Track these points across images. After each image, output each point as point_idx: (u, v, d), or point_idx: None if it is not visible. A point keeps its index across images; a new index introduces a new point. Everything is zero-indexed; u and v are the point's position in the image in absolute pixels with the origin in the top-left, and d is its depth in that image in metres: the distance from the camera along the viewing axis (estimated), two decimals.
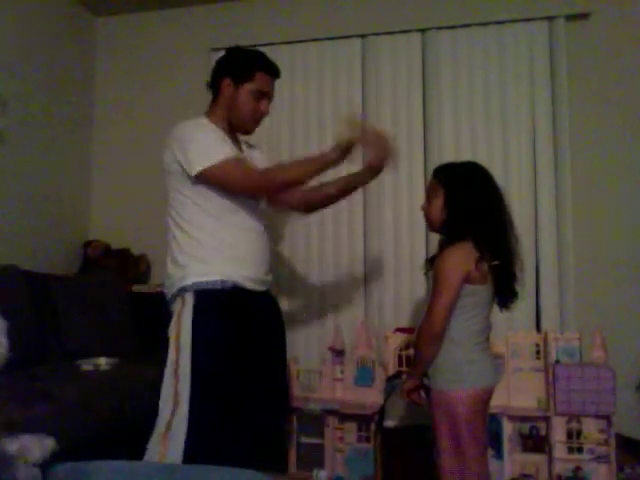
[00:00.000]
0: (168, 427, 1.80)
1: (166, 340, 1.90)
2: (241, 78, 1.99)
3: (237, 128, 2.07)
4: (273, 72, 2.05)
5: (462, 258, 1.65)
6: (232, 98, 2.00)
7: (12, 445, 0.97)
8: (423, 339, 1.70)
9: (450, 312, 1.65)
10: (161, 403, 1.85)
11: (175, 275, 1.93)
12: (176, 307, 1.91)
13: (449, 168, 1.79)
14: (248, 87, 1.99)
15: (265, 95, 2.03)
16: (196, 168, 1.85)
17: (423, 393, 1.78)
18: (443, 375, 1.68)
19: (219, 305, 1.87)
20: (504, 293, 1.75)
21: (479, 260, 1.63)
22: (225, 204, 1.93)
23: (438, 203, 1.73)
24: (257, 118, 2.06)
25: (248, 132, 2.11)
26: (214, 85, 2.05)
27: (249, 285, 1.94)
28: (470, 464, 1.66)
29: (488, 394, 1.72)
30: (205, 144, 1.90)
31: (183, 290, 1.89)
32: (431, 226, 1.81)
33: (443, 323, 1.65)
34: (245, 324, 1.92)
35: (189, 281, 1.89)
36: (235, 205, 1.95)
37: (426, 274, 1.84)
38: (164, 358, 1.89)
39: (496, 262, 1.66)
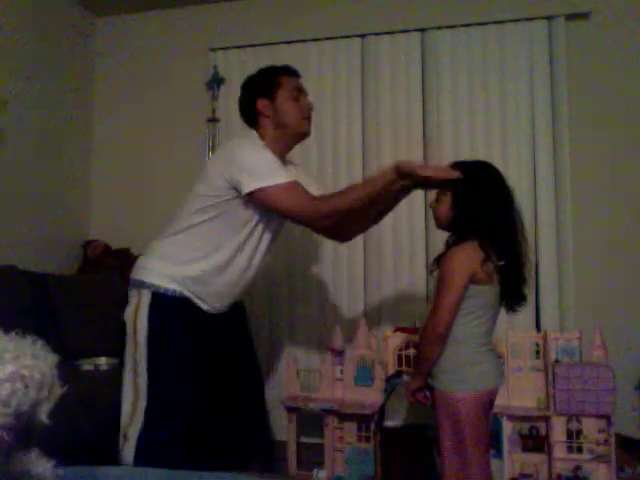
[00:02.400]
0: (125, 433, 1.86)
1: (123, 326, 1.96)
2: (271, 91, 1.99)
3: (294, 138, 2.05)
4: (293, 72, 2.06)
5: (467, 258, 1.63)
6: (274, 112, 1.99)
7: (33, 468, 0.99)
8: (427, 339, 1.69)
9: (455, 313, 1.64)
10: (123, 401, 1.91)
11: (145, 266, 1.98)
12: (132, 299, 1.96)
13: (458, 166, 1.76)
14: (282, 93, 1.99)
15: (300, 92, 2.03)
16: (251, 186, 1.84)
17: (428, 393, 1.78)
18: (447, 376, 1.67)
19: (174, 310, 1.93)
20: (511, 295, 1.73)
21: (485, 260, 1.62)
22: (235, 237, 1.95)
23: (446, 201, 1.71)
24: (306, 115, 2.04)
25: (306, 134, 2.08)
26: (251, 114, 2.04)
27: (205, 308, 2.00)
28: (472, 465, 1.65)
29: (491, 396, 1.71)
30: (263, 164, 1.88)
31: (141, 284, 1.94)
32: (438, 224, 1.78)
33: (447, 324, 1.64)
34: (201, 328, 1.98)
35: (149, 279, 1.94)
36: (243, 243, 1.98)
37: (431, 273, 1.82)
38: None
39: (502, 263, 1.65)
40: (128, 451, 1.83)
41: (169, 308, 1.92)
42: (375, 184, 1.83)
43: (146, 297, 1.91)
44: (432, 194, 1.82)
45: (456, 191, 1.69)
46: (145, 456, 1.78)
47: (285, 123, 1.99)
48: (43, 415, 0.92)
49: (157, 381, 1.86)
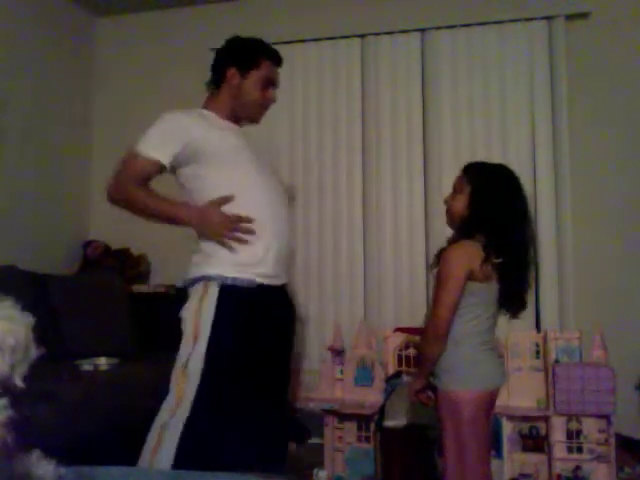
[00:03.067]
0: (166, 423, 1.74)
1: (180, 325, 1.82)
2: (247, 67, 1.96)
3: (243, 118, 2.02)
4: (277, 60, 2.04)
5: (466, 255, 1.63)
6: (238, 87, 1.96)
7: (34, 469, 0.98)
8: (427, 339, 1.70)
9: (454, 311, 1.64)
10: (167, 396, 1.78)
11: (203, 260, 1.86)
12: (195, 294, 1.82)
13: (479, 167, 1.76)
14: (255, 75, 1.96)
15: (271, 83, 2.01)
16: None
17: (431, 393, 1.77)
18: (448, 375, 1.67)
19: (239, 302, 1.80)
20: (510, 298, 1.71)
21: (484, 259, 1.62)
22: (236, 185, 1.86)
23: (462, 200, 1.71)
24: (265, 106, 2.03)
25: (255, 121, 2.06)
26: (218, 76, 2.00)
27: (263, 281, 1.84)
28: (472, 464, 1.65)
29: (493, 396, 1.71)
30: (154, 129, 1.93)
31: (208, 277, 1.82)
32: (451, 221, 1.78)
33: (447, 322, 1.64)
34: (259, 322, 1.85)
35: (211, 271, 1.82)
36: (247, 188, 1.88)
37: (432, 270, 1.81)
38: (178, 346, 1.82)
39: (499, 260, 1.64)
40: (165, 453, 1.69)
41: (233, 305, 1.80)
42: (166, 213, 1.94)
43: (213, 290, 1.79)
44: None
45: (474, 191, 1.69)
46: (185, 458, 1.67)
47: (242, 102, 1.98)
48: (18, 379, 0.90)
49: (209, 383, 1.75)
